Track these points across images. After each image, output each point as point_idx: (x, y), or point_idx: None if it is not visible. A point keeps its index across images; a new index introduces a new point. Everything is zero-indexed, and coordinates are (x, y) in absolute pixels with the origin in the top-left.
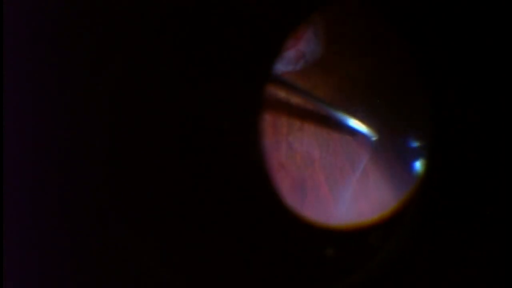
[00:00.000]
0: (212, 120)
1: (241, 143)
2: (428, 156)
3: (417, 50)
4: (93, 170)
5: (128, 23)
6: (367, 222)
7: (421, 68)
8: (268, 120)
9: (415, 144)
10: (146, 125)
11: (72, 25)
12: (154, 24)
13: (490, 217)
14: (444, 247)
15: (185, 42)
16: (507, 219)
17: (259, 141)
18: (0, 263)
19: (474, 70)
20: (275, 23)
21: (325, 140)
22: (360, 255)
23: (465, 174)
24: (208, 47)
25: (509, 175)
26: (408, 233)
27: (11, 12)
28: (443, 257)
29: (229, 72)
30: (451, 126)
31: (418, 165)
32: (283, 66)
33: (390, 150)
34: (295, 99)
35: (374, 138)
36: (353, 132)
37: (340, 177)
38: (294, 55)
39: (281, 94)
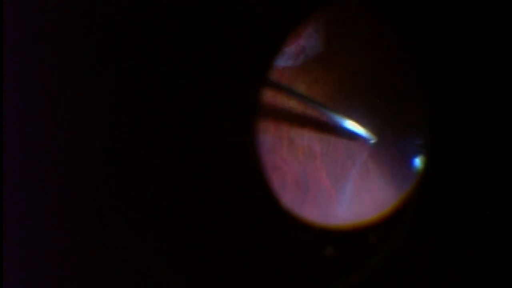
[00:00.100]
0: (212, 120)
1: (240, 143)
2: (428, 156)
3: (417, 49)
4: (93, 170)
5: (128, 23)
6: (367, 222)
7: (421, 67)
8: (268, 115)
9: (415, 143)
10: (146, 125)
11: (72, 25)
12: (154, 24)
13: (490, 217)
14: (444, 247)
15: (185, 42)
16: (507, 219)
17: (258, 141)
18: (0, 263)
19: (474, 69)
20: (275, 23)
21: (326, 135)
22: (360, 255)
23: (465, 174)
24: (208, 47)
25: (509, 175)
26: (408, 232)
27: (11, 12)
28: (443, 257)
29: (229, 72)
30: (451, 125)
31: (418, 164)
32: (283, 61)
33: (390, 149)
34: (293, 103)
35: (373, 141)
36: (352, 135)
37: (341, 172)
38: (294, 50)
39: (279, 98)
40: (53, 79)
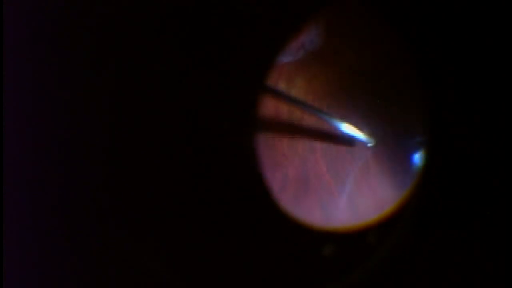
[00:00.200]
0: (212, 120)
1: (240, 143)
2: (428, 155)
3: (417, 49)
4: (93, 170)
5: (128, 23)
6: (367, 222)
7: (421, 67)
8: (269, 111)
9: (415, 140)
10: (146, 125)
11: (72, 25)
12: (154, 24)
13: (490, 217)
14: (444, 247)
15: (185, 42)
16: (507, 219)
17: (257, 141)
18: (0, 263)
19: (474, 69)
20: (275, 23)
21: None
22: (359, 255)
23: (465, 174)
24: (208, 47)
25: (509, 175)
26: (407, 232)
27: (11, 12)
28: (443, 257)
29: (229, 72)
30: (451, 125)
31: (418, 162)
32: (283, 56)
33: (390, 146)
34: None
35: (371, 145)
36: (351, 140)
37: (341, 167)
38: (294, 45)
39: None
40: (53, 79)
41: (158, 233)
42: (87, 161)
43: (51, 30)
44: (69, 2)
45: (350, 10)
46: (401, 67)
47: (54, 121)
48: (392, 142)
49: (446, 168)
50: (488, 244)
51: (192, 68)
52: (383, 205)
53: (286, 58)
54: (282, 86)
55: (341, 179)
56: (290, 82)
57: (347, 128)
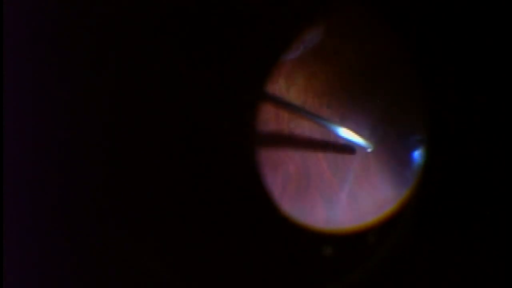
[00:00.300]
0: (212, 120)
1: (240, 143)
2: (427, 155)
3: (417, 49)
4: (93, 170)
5: (128, 23)
6: (367, 223)
7: (421, 67)
8: (269, 111)
9: (415, 139)
10: (146, 125)
11: (72, 25)
12: (154, 24)
13: (490, 217)
14: (444, 247)
15: (185, 42)
16: (507, 219)
17: (257, 141)
18: (0, 263)
19: (474, 69)
20: (275, 23)
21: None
22: (359, 255)
23: (465, 174)
24: (208, 47)
25: (509, 175)
26: (407, 232)
27: (11, 12)
28: (443, 257)
29: (229, 72)
30: (451, 125)
31: (418, 163)
32: (282, 54)
33: (390, 146)
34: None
35: (370, 150)
36: (350, 145)
37: (342, 163)
38: (294, 44)
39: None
40: (53, 79)
41: (158, 233)
42: (87, 161)
43: (51, 30)
44: (69, 2)
45: (350, 10)
46: (401, 66)
47: (54, 121)
48: (392, 141)
49: (446, 168)
50: (488, 244)
51: (192, 68)
52: (384, 203)
53: (286, 56)
54: (281, 84)
55: (342, 176)
56: (289, 80)
57: (346, 133)
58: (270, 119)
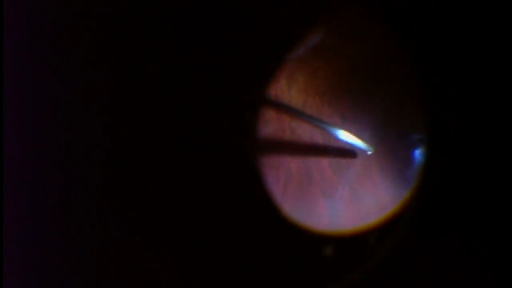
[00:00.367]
0: (212, 120)
1: (240, 143)
2: (427, 155)
3: (417, 48)
4: (93, 170)
5: (128, 23)
6: (367, 224)
7: (421, 66)
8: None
9: (415, 138)
10: (146, 125)
11: (72, 25)
12: (154, 24)
13: (490, 217)
14: (444, 247)
15: (185, 42)
16: (507, 219)
17: (257, 141)
18: (0, 263)
19: (474, 69)
20: (275, 23)
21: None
22: (359, 255)
23: (465, 174)
24: (208, 47)
25: (509, 175)
26: (407, 232)
27: (11, 12)
28: (443, 257)
29: (229, 72)
30: (451, 125)
31: (419, 162)
32: (284, 53)
33: (390, 145)
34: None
35: (370, 152)
36: (350, 149)
37: (343, 162)
38: (295, 43)
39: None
40: (53, 79)
41: (158, 233)
42: (87, 161)
43: (51, 30)
44: (69, 2)
45: (350, 10)
46: (401, 67)
47: (54, 121)
48: (392, 140)
49: (446, 168)
50: (488, 244)
51: (192, 68)
52: (385, 201)
53: (287, 56)
54: (283, 83)
55: (343, 173)
56: (291, 79)
57: (347, 137)
58: (271, 119)
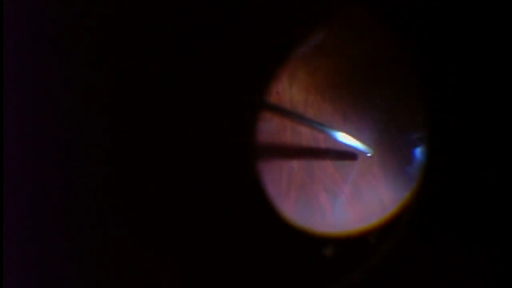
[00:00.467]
0: (212, 120)
1: (240, 143)
2: (428, 155)
3: (417, 48)
4: (93, 170)
5: (128, 23)
6: (367, 224)
7: (421, 66)
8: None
9: (415, 136)
10: (146, 125)
11: (72, 25)
12: (154, 24)
13: (490, 217)
14: (444, 247)
15: (185, 42)
16: (507, 219)
17: (257, 141)
18: (0, 263)
19: (474, 68)
20: (275, 23)
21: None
22: (359, 255)
23: (465, 174)
24: (208, 47)
25: (509, 175)
26: (407, 232)
27: (11, 12)
28: (443, 257)
29: (229, 72)
30: (451, 125)
31: (419, 162)
32: (284, 52)
33: (391, 143)
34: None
35: (370, 154)
36: (350, 151)
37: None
38: (295, 42)
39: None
40: (53, 79)
41: (158, 233)
42: (87, 161)
43: (51, 30)
44: (69, 2)
45: (350, 10)
46: (401, 66)
47: (54, 121)
48: (393, 139)
49: (446, 168)
50: (488, 244)
51: (192, 68)
52: (386, 198)
53: (288, 55)
54: (284, 81)
55: (345, 169)
56: (292, 76)
57: (346, 139)
58: (271, 117)
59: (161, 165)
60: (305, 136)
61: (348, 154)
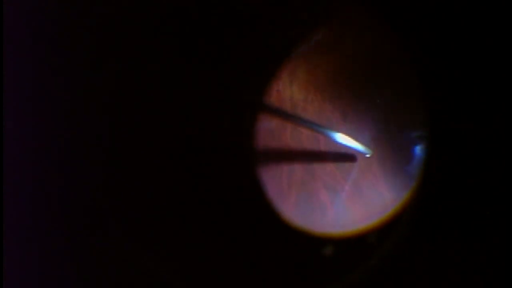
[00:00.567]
0: (212, 120)
1: (240, 143)
2: (427, 155)
3: (417, 48)
4: (93, 170)
5: (128, 23)
6: (366, 225)
7: (421, 66)
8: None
9: (415, 135)
10: (146, 125)
11: (72, 25)
12: (154, 24)
13: (490, 217)
14: (443, 247)
15: (185, 42)
16: (507, 219)
17: (257, 141)
18: (0, 263)
19: (474, 69)
20: (275, 23)
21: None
22: (359, 255)
23: (465, 174)
24: (208, 47)
25: (509, 175)
26: (407, 232)
27: (11, 12)
28: (443, 257)
29: (229, 72)
30: (451, 125)
31: (419, 161)
32: (284, 50)
33: (391, 144)
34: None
35: (368, 156)
36: (349, 152)
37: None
38: (295, 41)
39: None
40: (53, 79)
41: (158, 233)
42: (87, 161)
43: (51, 30)
44: (69, 2)
45: (350, 10)
46: (401, 66)
47: (54, 121)
48: (393, 139)
49: (446, 168)
50: (488, 244)
51: (192, 68)
52: (387, 195)
53: (287, 55)
54: (284, 79)
55: (345, 168)
56: (292, 74)
57: (345, 140)
58: (271, 118)
59: (161, 165)
60: (305, 135)
61: (348, 156)
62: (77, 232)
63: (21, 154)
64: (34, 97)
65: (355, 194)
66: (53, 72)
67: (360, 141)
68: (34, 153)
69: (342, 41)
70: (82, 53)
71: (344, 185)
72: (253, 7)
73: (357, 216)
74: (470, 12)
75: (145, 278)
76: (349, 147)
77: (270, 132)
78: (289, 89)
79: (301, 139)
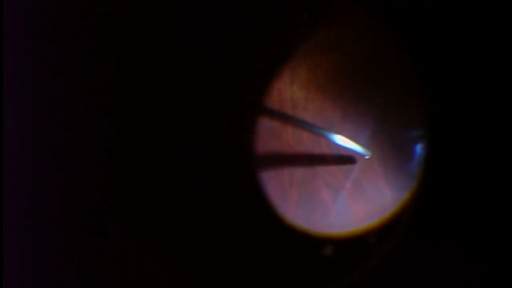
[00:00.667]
0: (212, 120)
1: (240, 143)
2: (427, 155)
3: (417, 48)
4: (93, 170)
5: (128, 23)
6: (368, 225)
7: (421, 66)
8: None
9: (415, 134)
10: (146, 125)
11: (72, 25)
12: (154, 24)
13: (490, 217)
14: (443, 247)
15: (185, 42)
16: (507, 219)
17: (257, 141)
18: (0, 263)
19: (474, 69)
20: (275, 23)
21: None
22: (359, 255)
23: (465, 174)
24: (208, 47)
25: (509, 175)
26: (407, 232)
27: (11, 12)
28: (443, 257)
29: (229, 72)
30: (451, 125)
31: (419, 161)
32: (285, 50)
33: (390, 143)
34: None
35: (368, 157)
36: (348, 154)
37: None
38: (295, 40)
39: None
40: (53, 79)
41: (158, 233)
42: (87, 161)
43: (51, 30)
44: (69, 2)
45: (350, 10)
46: (401, 66)
47: (54, 121)
48: (393, 135)
49: (446, 168)
50: (488, 244)
51: (191, 68)
52: (388, 193)
53: (288, 55)
54: (285, 78)
55: (345, 167)
56: (292, 73)
57: (345, 142)
58: (271, 118)
59: (161, 165)
60: (306, 134)
61: (347, 158)
62: (77, 232)
63: (21, 154)
64: (34, 97)
65: (357, 192)
66: (53, 72)
67: (360, 141)
68: (34, 153)
69: (342, 41)
70: (82, 53)
71: (345, 183)
72: (253, 7)
73: (358, 214)
74: (470, 12)
75: (145, 278)
76: (349, 149)
77: (270, 131)
78: (289, 88)
79: (302, 138)
